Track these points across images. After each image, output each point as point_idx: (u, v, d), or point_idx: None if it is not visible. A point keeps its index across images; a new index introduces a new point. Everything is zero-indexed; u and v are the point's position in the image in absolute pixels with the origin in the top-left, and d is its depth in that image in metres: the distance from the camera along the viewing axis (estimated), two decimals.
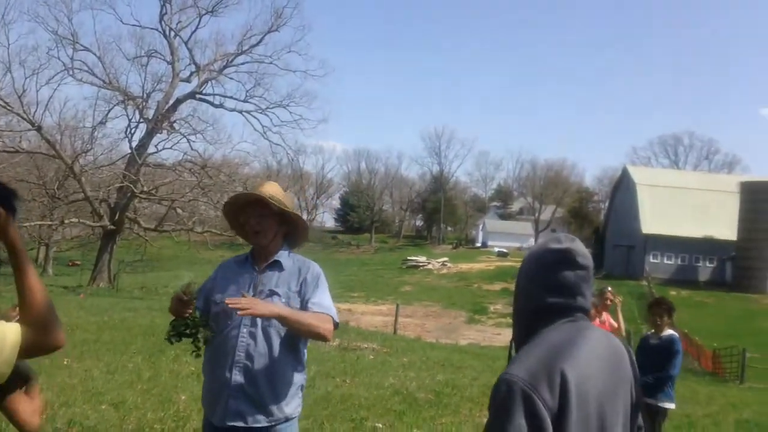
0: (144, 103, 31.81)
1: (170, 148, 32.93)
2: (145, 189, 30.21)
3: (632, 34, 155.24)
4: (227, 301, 2.58)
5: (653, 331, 5.84)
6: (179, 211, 32.35)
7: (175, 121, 32.05)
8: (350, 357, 11.31)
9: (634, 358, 1.82)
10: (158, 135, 31.94)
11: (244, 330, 2.73)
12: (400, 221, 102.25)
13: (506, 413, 1.49)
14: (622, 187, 63.52)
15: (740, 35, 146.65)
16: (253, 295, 2.76)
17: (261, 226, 2.87)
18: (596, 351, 1.66)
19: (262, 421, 2.70)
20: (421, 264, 63.09)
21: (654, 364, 5.44)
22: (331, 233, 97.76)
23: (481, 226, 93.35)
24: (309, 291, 2.85)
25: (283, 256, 2.92)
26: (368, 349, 12.76)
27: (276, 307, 2.68)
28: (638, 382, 1.79)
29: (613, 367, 1.70)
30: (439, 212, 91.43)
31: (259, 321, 2.73)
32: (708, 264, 54.09)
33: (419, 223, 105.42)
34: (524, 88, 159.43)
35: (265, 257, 2.90)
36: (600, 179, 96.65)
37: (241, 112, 34.98)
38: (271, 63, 35.02)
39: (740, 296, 46.14)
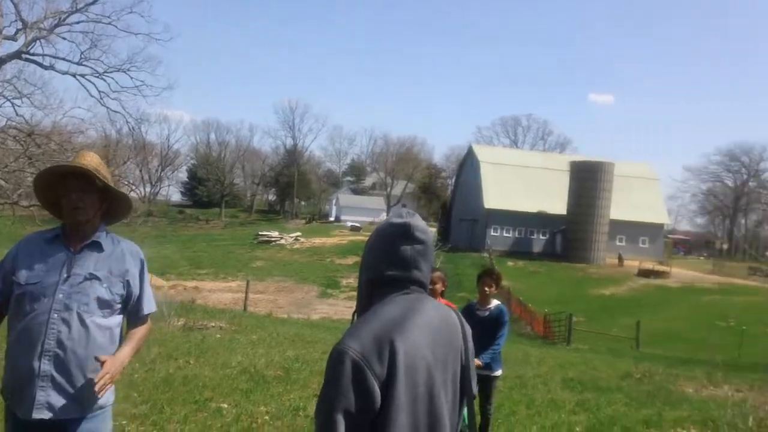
0: None
1: None
2: None
3: (479, 15, 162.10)
4: (98, 388, 2.42)
5: (479, 301, 5.76)
6: (2, 182, 29.44)
7: None
8: (195, 337, 10.93)
9: (467, 329, 1.90)
10: None
11: (56, 316, 2.47)
12: (252, 195, 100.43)
13: (336, 381, 1.58)
14: (467, 165, 66.45)
15: (575, 24, 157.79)
16: (67, 278, 2.53)
17: (83, 201, 2.59)
18: (428, 322, 1.74)
19: (73, 413, 2.51)
20: (273, 239, 62.37)
21: (485, 335, 5.39)
22: (178, 207, 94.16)
23: (334, 201, 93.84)
24: (137, 284, 2.72)
25: (102, 236, 2.68)
26: (215, 328, 12.41)
27: (125, 357, 2.61)
28: (470, 352, 1.88)
29: (444, 337, 1.78)
30: (292, 186, 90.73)
31: (74, 306, 2.51)
32: (541, 236, 58.19)
33: (272, 197, 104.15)
34: (377, 64, 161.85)
35: (82, 236, 2.63)
36: (448, 156, 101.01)
37: (74, 75, 32.45)
38: (109, 23, 32.69)
39: (568, 266, 50.18)
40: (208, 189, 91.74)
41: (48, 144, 28.14)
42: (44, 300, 2.48)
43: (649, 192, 60.74)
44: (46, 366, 2.45)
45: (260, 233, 65.13)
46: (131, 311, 2.74)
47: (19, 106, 29.54)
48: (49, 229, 2.71)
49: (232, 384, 7.27)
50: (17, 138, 28.23)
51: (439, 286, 5.00)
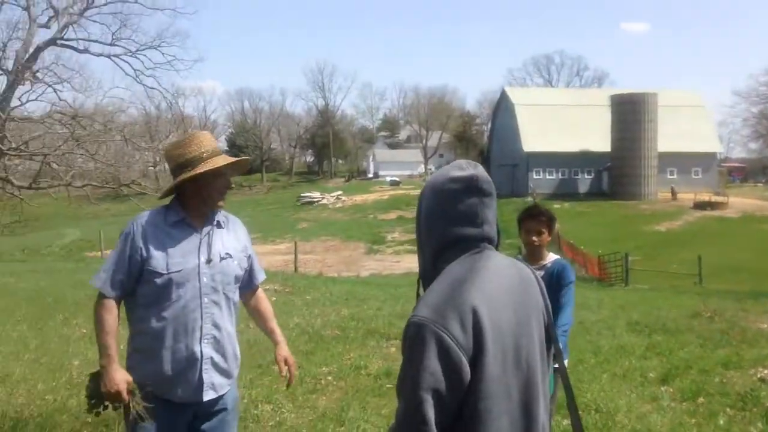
0: (1, 54, 28.99)
1: (36, 99, 30.36)
2: (14, 145, 27.93)
3: None
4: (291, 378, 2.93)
5: (527, 255, 3.94)
6: (54, 165, 30.27)
7: (37, 71, 29.41)
8: None
9: (543, 285, 1.76)
10: (21, 87, 29.36)
11: (206, 299, 2.56)
12: (290, 158, 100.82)
13: (419, 357, 1.43)
14: (502, 109, 65.35)
15: None
16: (208, 261, 2.58)
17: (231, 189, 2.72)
18: (505, 280, 1.60)
19: (226, 387, 2.68)
20: (315, 200, 62.94)
21: None
22: None
23: (371, 157, 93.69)
24: (251, 253, 2.84)
25: (219, 215, 2.70)
26: (270, 290, 12.45)
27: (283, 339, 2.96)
28: (550, 310, 1.74)
29: (525, 297, 1.64)
30: (328, 146, 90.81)
31: (220, 287, 2.61)
32: (586, 176, 57.17)
33: (310, 158, 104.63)
34: (399, 17, 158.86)
35: (204, 216, 2.65)
36: (481, 102, 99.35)
37: (109, 56, 32.67)
38: (135, 2, 32.82)
39: (617, 203, 49.21)
40: (248, 155, 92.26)
41: (92, 125, 28.66)
42: (189, 285, 2.53)
43: (697, 120, 58.63)
44: (207, 349, 2.57)
45: (302, 195, 65.83)
46: (246, 282, 2.83)
47: (60, 91, 30.09)
48: (159, 210, 2.65)
49: (292, 345, 7.04)
50: (62, 122, 28.77)
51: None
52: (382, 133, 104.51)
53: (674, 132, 54.78)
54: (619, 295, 15.08)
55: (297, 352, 6.87)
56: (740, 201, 47.39)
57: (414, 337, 1.45)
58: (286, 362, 2.88)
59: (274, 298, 11.46)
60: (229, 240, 2.68)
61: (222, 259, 2.60)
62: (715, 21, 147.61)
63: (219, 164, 2.55)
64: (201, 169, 2.52)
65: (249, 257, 2.79)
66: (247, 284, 2.84)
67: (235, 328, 2.71)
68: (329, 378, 5.99)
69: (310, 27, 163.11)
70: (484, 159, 70.28)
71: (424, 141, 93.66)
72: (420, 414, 1.40)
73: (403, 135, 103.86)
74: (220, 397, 2.65)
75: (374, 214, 51.48)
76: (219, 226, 2.67)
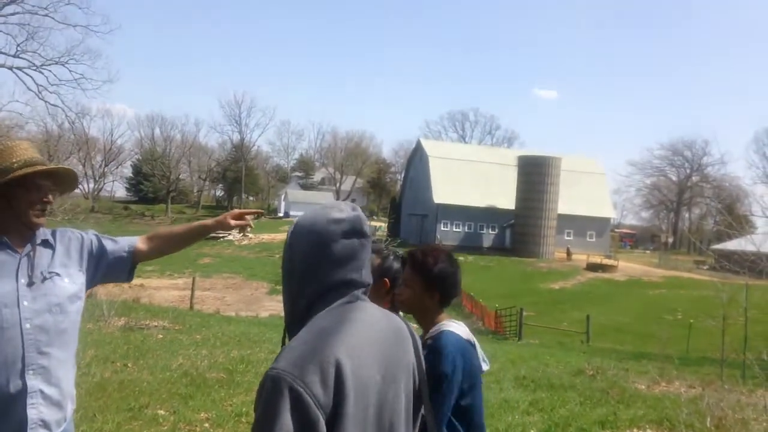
0: None
1: None
2: None
3: (426, 9, 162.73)
4: None
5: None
6: None
7: None
8: (135, 337, 10.43)
9: (418, 340, 1.68)
10: None
11: (28, 325, 2.22)
12: (199, 191, 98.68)
13: (273, 414, 1.30)
14: (416, 159, 66.64)
15: (517, 22, 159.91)
16: (30, 284, 2.25)
17: (51, 203, 2.38)
18: (375, 333, 1.51)
19: (63, 424, 2.32)
20: (221, 235, 61.43)
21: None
22: (123, 203, 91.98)
23: (283, 196, 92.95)
24: (100, 248, 2.50)
25: (44, 231, 2.39)
26: (157, 328, 11.92)
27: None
28: (423, 368, 1.66)
29: (394, 350, 1.55)
30: (240, 182, 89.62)
31: (46, 310, 2.26)
32: (491, 231, 58.78)
33: (219, 193, 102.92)
34: (324, 59, 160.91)
35: (24, 235, 2.34)
36: (396, 151, 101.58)
37: (11, 68, 31.26)
38: (46, 15, 31.68)
39: (517, 260, 50.78)
40: (154, 185, 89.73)
41: None
42: (7, 311, 2.20)
43: (595, 186, 61.93)
44: (33, 381, 2.21)
45: None
46: (118, 266, 2.54)
47: None
48: None
49: (171, 389, 6.87)
50: None
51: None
52: (297, 173, 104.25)
53: (574, 196, 57.63)
54: (512, 349, 15.37)
55: (174, 396, 6.55)
56: (629, 265, 50.04)
57: (270, 392, 1.33)
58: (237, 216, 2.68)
59: (160, 336, 10.97)
60: (59, 257, 2.39)
61: (45, 279, 2.31)
62: (617, 96, 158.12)
63: (26, 173, 2.27)
64: (3, 179, 2.26)
65: (91, 262, 2.47)
66: (128, 257, 2.55)
67: (72, 355, 2.38)
68: (206, 425, 5.70)
69: (230, 59, 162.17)
70: (396, 207, 71.15)
71: (337, 185, 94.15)
72: None
73: (317, 177, 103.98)
74: None
75: (281, 253, 50.36)
76: (46, 245, 2.38)
